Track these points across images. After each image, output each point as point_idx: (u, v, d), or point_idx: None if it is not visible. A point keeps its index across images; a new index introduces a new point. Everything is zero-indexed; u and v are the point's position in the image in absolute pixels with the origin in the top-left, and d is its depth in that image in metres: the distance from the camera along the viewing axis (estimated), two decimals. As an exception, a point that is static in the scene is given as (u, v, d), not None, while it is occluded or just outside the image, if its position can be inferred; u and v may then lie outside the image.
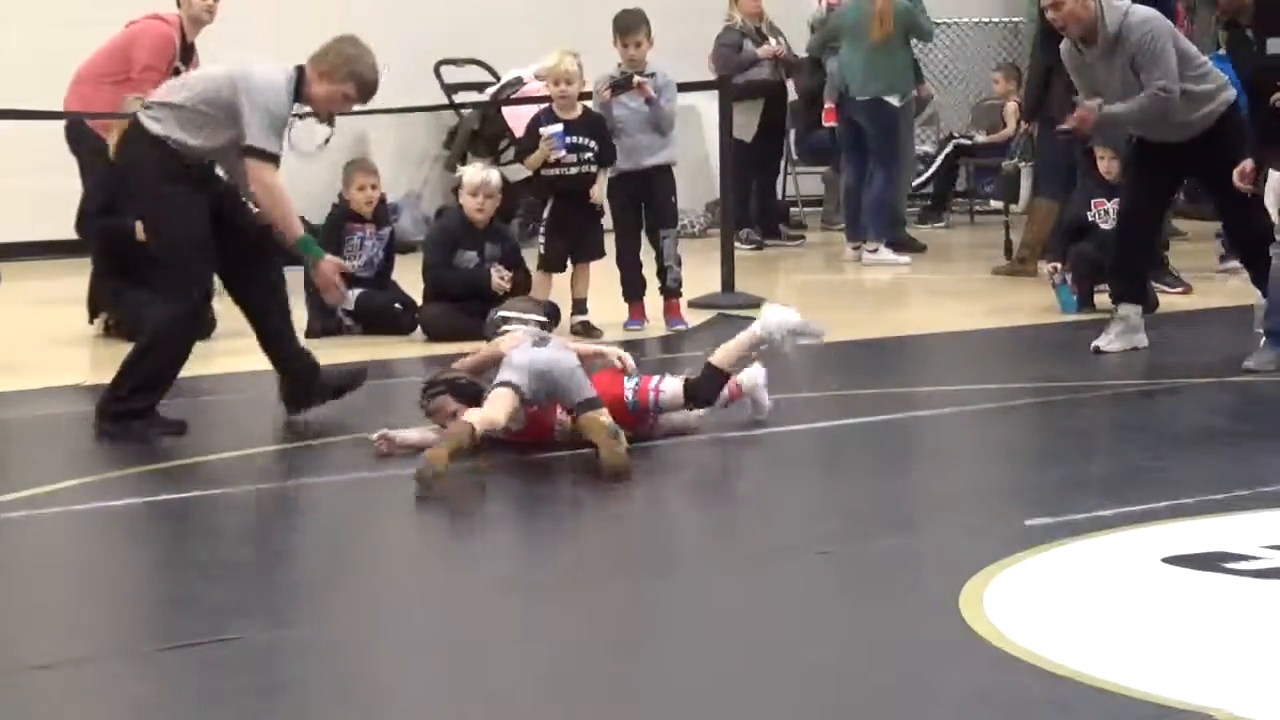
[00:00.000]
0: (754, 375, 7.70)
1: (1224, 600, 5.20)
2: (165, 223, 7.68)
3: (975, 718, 4.39)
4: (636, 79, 10.53)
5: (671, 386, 7.40)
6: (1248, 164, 8.97)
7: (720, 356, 7.52)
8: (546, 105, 10.62)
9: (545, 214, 10.54)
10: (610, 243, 10.73)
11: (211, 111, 7.62)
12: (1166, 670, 4.58)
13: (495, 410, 6.89)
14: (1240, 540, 5.73)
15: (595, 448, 6.83)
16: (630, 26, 10.61)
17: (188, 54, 11.32)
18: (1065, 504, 6.20)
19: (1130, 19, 9.22)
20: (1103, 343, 9.41)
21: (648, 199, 10.70)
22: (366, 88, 7.83)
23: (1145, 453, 7.23)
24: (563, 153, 10.33)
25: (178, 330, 7.65)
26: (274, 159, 7.64)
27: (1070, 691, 4.42)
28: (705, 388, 7.47)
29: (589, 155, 10.38)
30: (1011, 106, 16.25)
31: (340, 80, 7.75)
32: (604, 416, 6.92)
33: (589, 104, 10.62)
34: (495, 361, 7.19)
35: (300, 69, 7.77)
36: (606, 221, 10.71)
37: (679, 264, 10.66)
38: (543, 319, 7.76)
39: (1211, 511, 6.12)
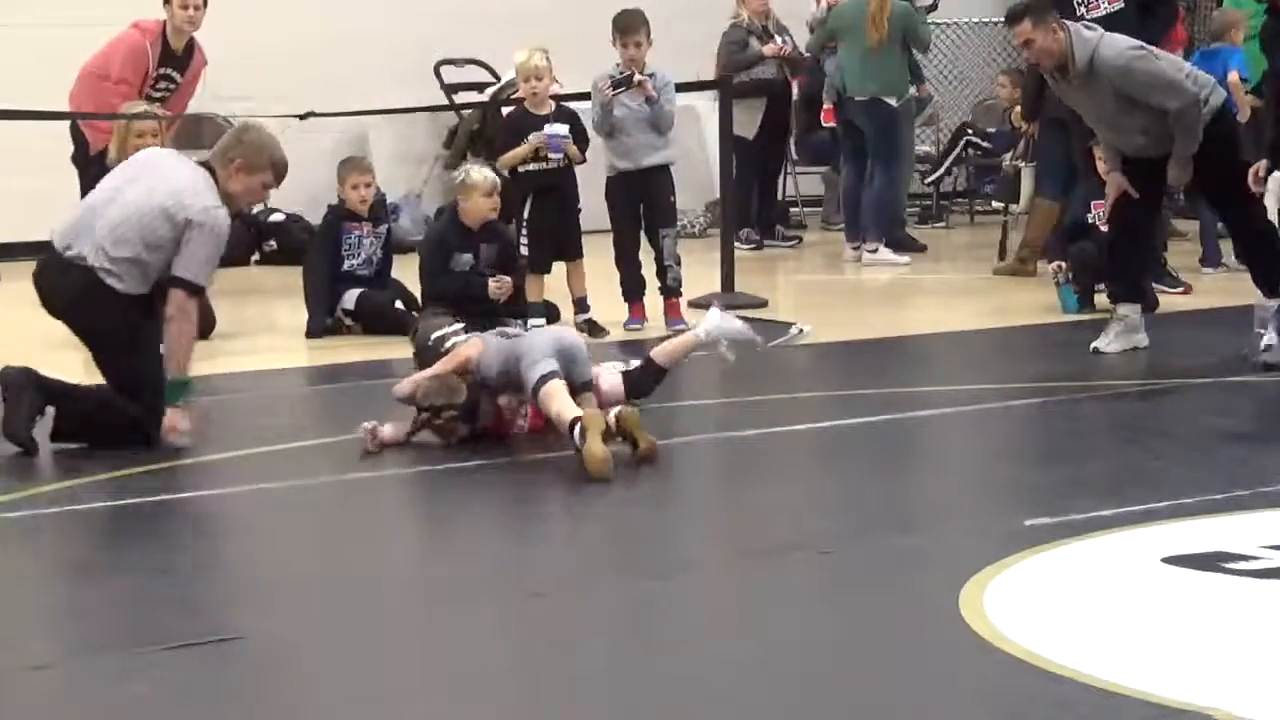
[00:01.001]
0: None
1: (1224, 600, 5.20)
2: (128, 354, 7.57)
3: (975, 718, 4.39)
4: (638, 77, 10.52)
5: (610, 379, 7.65)
6: (1261, 165, 8.92)
7: (660, 353, 7.88)
8: (518, 105, 10.67)
9: (525, 214, 10.53)
10: (608, 242, 10.73)
11: (155, 259, 7.46)
12: (1166, 670, 4.58)
13: (566, 404, 7.03)
14: (1240, 540, 5.73)
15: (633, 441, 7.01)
16: (630, 26, 10.60)
17: (179, 60, 11.21)
18: (1065, 504, 6.20)
19: (1102, 51, 9.10)
20: (1102, 343, 9.40)
21: (647, 199, 10.69)
22: (282, 170, 7.74)
23: (1145, 453, 7.23)
24: (559, 155, 10.35)
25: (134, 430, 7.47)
26: (202, 292, 7.63)
27: (1070, 691, 4.42)
28: (644, 381, 7.78)
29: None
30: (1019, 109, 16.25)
31: (262, 169, 7.64)
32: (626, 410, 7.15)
33: (587, 103, 10.63)
34: (463, 372, 7.36)
35: (211, 170, 7.60)
36: (587, 221, 10.71)
37: (679, 263, 10.65)
38: (460, 323, 7.85)
39: (1211, 511, 6.12)
